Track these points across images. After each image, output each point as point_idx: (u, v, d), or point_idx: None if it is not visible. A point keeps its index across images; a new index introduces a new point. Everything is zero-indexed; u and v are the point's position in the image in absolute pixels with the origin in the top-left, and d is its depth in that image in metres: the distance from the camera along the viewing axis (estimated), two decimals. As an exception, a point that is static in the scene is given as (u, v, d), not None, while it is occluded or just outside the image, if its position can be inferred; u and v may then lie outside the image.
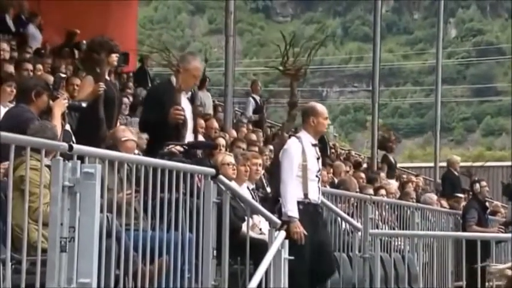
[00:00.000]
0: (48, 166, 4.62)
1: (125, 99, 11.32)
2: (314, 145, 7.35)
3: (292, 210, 7.10)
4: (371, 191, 11.58)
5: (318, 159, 7.34)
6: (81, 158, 4.56)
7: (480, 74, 67.79)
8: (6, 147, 4.28)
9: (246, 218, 6.89)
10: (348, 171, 14.06)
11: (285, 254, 6.40)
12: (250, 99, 16.67)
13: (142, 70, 17.33)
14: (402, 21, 74.97)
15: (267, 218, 6.76)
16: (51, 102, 6.48)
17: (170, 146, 7.84)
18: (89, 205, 4.42)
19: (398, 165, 19.79)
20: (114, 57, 7.60)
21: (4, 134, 4.20)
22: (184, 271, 5.79)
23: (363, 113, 63.54)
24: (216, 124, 11.89)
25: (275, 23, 79.24)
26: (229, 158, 8.14)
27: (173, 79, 7.37)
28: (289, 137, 7.73)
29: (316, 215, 7.35)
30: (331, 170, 12.97)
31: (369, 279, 8.41)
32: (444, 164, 17.72)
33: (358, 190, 11.22)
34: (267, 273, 6.20)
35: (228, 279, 6.29)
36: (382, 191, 11.94)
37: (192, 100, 7.76)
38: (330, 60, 72.74)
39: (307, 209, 7.20)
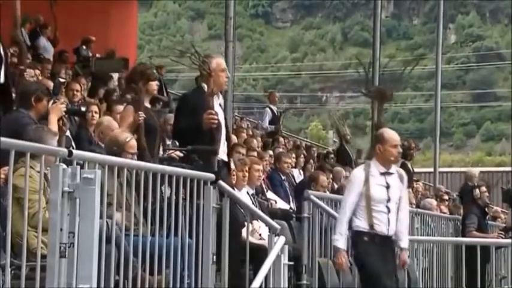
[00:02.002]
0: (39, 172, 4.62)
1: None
2: (384, 174, 6.86)
3: (337, 239, 6.83)
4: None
5: (387, 188, 6.83)
6: (80, 163, 4.56)
7: (480, 79, 67.84)
8: (4, 153, 4.27)
9: (245, 223, 6.89)
10: (347, 177, 14.04)
11: (285, 260, 6.40)
12: (267, 109, 16.68)
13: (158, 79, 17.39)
14: (402, 27, 75.04)
15: (267, 224, 6.76)
16: (48, 107, 6.47)
17: (170, 152, 7.85)
18: (89, 210, 4.41)
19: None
20: (154, 85, 7.61)
21: (4, 139, 4.20)
22: (184, 276, 5.78)
23: (363, 118, 63.55)
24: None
25: (275, 28, 79.32)
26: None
27: (203, 85, 7.32)
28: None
29: (384, 248, 6.86)
30: (331, 176, 12.97)
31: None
32: (444, 169, 17.74)
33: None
34: (266, 278, 6.20)
35: (227, 285, 6.29)
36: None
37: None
38: (330, 65, 72.77)
39: (372, 241, 6.81)
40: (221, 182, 6.28)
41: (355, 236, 6.84)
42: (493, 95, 68.05)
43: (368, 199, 6.74)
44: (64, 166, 4.39)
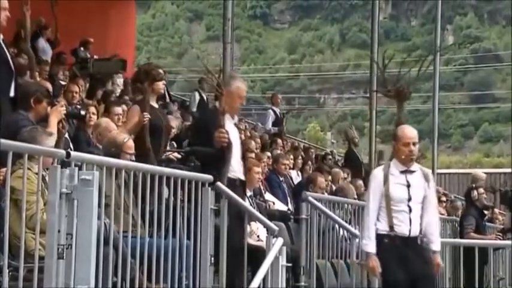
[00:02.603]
0: (37, 174, 4.62)
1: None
2: (404, 172, 6.56)
3: (365, 244, 6.59)
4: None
5: (408, 186, 6.53)
6: (78, 165, 4.56)
7: (477, 80, 67.90)
8: (2, 154, 4.27)
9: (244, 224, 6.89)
10: (345, 178, 14.05)
11: (283, 261, 6.40)
12: (270, 111, 16.69)
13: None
14: (400, 28, 75.09)
15: (265, 225, 6.76)
16: (48, 109, 6.46)
17: (168, 153, 7.85)
18: (87, 212, 4.42)
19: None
20: (160, 85, 7.59)
21: (4, 141, 4.20)
22: (182, 278, 5.78)
23: (361, 119, 63.56)
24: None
25: (273, 30, 79.34)
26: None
27: (219, 103, 7.36)
28: None
29: (406, 249, 6.48)
30: (329, 177, 12.97)
31: (367, 286, 8.41)
32: (441, 171, 17.74)
33: (356, 197, 11.22)
34: (264, 279, 6.20)
35: (225, 286, 6.29)
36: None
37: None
38: (328, 66, 72.81)
39: (393, 243, 6.50)
40: (219, 184, 6.28)
41: (378, 239, 6.56)
42: (491, 96, 68.10)
43: (388, 199, 6.49)
44: (62, 168, 4.40)
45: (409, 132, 6.68)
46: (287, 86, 68.82)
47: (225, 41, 12.58)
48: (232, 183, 7.06)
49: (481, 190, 13.25)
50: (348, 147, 15.58)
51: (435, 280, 6.91)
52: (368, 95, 19.17)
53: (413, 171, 6.61)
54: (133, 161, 6.43)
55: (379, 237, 6.54)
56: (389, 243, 6.48)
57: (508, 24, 66.19)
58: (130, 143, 6.63)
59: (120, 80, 16.00)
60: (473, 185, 13.66)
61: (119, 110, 9.38)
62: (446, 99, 59.85)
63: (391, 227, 6.48)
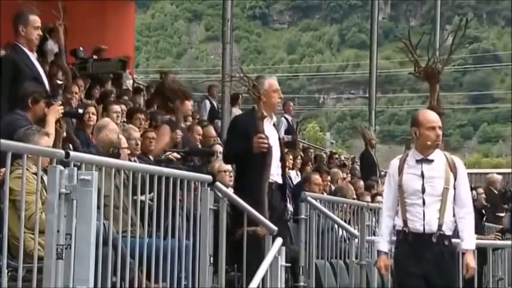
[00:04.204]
0: (35, 174, 4.62)
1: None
2: (420, 161, 5.90)
3: (377, 242, 6.14)
4: (368, 197, 11.58)
5: (422, 177, 5.86)
6: (77, 165, 4.56)
7: (477, 81, 68.00)
8: (2, 155, 4.27)
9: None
10: (344, 178, 14.05)
11: (282, 261, 6.40)
12: (283, 119, 16.48)
13: (163, 86, 17.52)
14: (399, 28, 75.10)
15: (264, 225, 6.75)
16: (46, 109, 6.46)
17: (167, 153, 7.85)
18: (86, 212, 4.42)
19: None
20: (189, 105, 7.55)
21: (4, 141, 4.20)
22: (181, 278, 5.78)
23: (360, 119, 63.53)
24: (213, 131, 11.89)
25: (272, 30, 79.40)
26: (226, 165, 8.13)
27: (255, 107, 7.16)
28: None
29: (421, 246, 5.82)
30: (328, 177, 12.98)
31: (366, 286, 8.41)
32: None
33: (355, 197, 11.22)
34: (263, 280, 6.20)
35: (225, 286, 6.29)
36: (379, 198, 11.94)
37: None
38: (327, 67, 72.86)
39: (406, 239, 5.85)
40: (218, 184, 6.28)
41: (396, 236, 6.00)
42: (489, 96, 68.18)
43: (401, 191, 5.88)
44: (61, 167, 4.39)
45: (432, 115, 6.03)
46: (286, 86, 68.84)
47: (224, 41, 12.61)
48: (269, 187, 6.96)
49: (480, 190, 13.25)
50: (365, 148, 15.44)
51: (455, 282, 6.14)
52: (367, 95, 19.21)
53: (431, 160, 5.90)
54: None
55: (397, 234, 5.97)
56: (402, 240, 5.88)
57: (506, 25, 66.26)
58: (124, 139, 6.65)
59: (129, 82, 16.06)
60: (472, 185, 13.67)
61: (117, 108, 9.42)
62: (445, 100, 59.85)
63: (405, 222, 5.86)
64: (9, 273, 4.75)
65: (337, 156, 19.81)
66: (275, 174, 7.14)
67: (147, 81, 18.11)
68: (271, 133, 7.22)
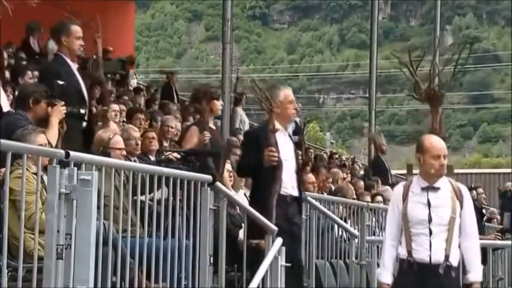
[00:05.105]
0: (35, 174, 4.62)
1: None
2: (426, 189, 5.69)
3: (379, 273, 5.86)
4: (368, 198, 11.58)
5: (429, 206, 5.65)
6: (77, 165, 4.56)
7: (477, 81, 67.99)
8: (2, 155, 4.27)
9: (242, 225, 6.89)
10: (345, 178, 14.06)
11: (282, 261, 6.40)
12: None
13: (169, 86, 17.70)
14: (399, 28, 75.15)
15: (264, 225, 6.75)
16: (49, 109, 6.47)
17: (167, 153, 7.85)
18: (86, 212, 4.42)
19: (395, 172, 19.78)
20: (218, 105, 7.49)
21: (4, 141, 4.21)
22: (181, 278, 5.78)
23: (360, 119, 63.60)
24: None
25: (272, 30, 79.40)
26: (227, 165, 8.13)
27: (268, 119, 7.04)
28: None
29: (426, 277, 5.61)
30: (325, 176, 12.97)
31: (366, 286, 8.41)
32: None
33: (355, 197, 11.22)
34: (263, 280, 6.20)
35: (225, 286, 6.29)
36: (379, 198, 11.94)
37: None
38: (327, 67, 72.86)
39: (411, 269, 5.63)
40: (218, 184, 6.28)
41: (398, 265, 5.77)
42: (490, 96, 68.18)
43: (406, 220, 5.66)
44: (61, 168, 4.40)
45: (438, 143, 5.77)
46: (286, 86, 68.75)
47: (224, 41, 12.60)
48: (284, 200, 6.89)
49: (480, 190, 13.26)
50: (376, 154, 15.39)
51: None
52: (367, 95, 19.21)
53: (437, 188, 5.71)
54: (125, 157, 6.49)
55: (400, 263, 5.75)
56: (407, 269, 5.65)
57: (507, 25, 66.28)
58: (117, 139, 6.64)
59: (134, 81, 16.10)
60: (472, 185, 13.67)
61: (115, 107, 9.53)
62: (445, 100, 59.85)
63: (410, 252, 5.65)
64: (9, 273, 4.75)
65: (337, 156, 19.86)
66: (290, 187, 6.99)
67: (147, 81, 18.17)
68: (287, 145, 7.09)
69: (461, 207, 5.73)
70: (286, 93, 7.17)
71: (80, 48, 7.04)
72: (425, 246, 5.62)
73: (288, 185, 6.98)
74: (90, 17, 7.86)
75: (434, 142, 5.75)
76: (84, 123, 6.95)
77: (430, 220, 5.63)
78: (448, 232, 5.65)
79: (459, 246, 5.71)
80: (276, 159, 6.81)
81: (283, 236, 6.51)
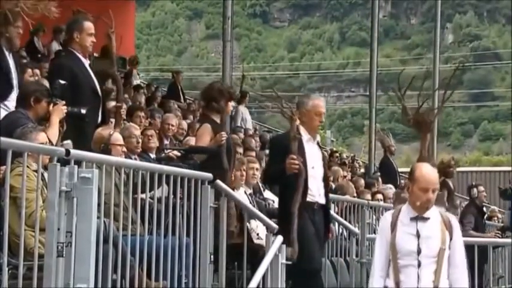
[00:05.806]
0: (35, 171, 4.62)
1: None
2: (415, 219, 5.48)
3: None
4: (368, 196, 11.59)
5: (418, 237, 5.46)
6: (78, 163, 4.56)
7: (477, 79, 67.93)
8: (3, 152, 4.28)
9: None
10: (345, 177, 14.07)
11: (282, 259, 6.40)
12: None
13: (175, 85, 17.83)
14: (399, 27, 75.10)
15: (264, 223, 6.76)
16: (50, 108, 6.47)
17: (168, 151, 7.85)
18: (86, 210, 4.42)
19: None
20: (230, 106, 7.45)
21: (4, 139, 4.21)
22: (181, 276, 5.78)
23: (360, 117, 63.59)
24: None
25: (272, 28, 79.33)
26: (254, 164, 8.19)
27: (300, 127, 6.95)
28: None
29: None
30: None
31: (366, 284, 8.42)
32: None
33: (355, 195, 11.22)
34: (264, 277, 6.20)
35: (225, 284, 6.30)
36: (379, 196, 11.95)
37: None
38: (327, 65, 72.81)
39: None
40: (219, 182, 6.28)
41: None
42: (490, 94, 68.15)
43: (394, 251, 5.48)
44: (61, 166, 4.40)
45: (429, 175, 5.49)
46: (287, 84, 68.84)
47: (224, 39, 12.61)
48: (311, 207, 6.86)
49: (481, 188, 13.24)
50: (384, 155, 15.34)
51: None
52: (368, 93, 19.20)
53: (426, 218, 5.51)
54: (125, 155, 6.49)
55: None
56: None
57: (507, 23, 66.24)
58: (117, 136, 6.64)
59: (136, 82, 16.12)
60: (473, 183, 13.64)
61: (113, 103, 9.54)
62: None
63: (397, 284, 5.47)
64: (10, 271, 4.75)
65: (337, 154, 19.87)
66: (317, 195, 6.95)
67: (148, 79, 18.20)
68: (314, 153, 7.02)
69: (451, 238, 5.55)
70: (315, 103, 7.02)
71: (91, 45, 7.04)
72: (413, 278, 5.45)
73: (315, 192, 6.93)
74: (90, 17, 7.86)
75: (426, 173, 5.49)
76: (100, 119, 6.95)
77: (419, 252, 5.47)
78: (437, 264, 5.49)
79: (448, 277, 5.54)
80: (297, 167, 6.66)
81: (313, 242, 6.50)
